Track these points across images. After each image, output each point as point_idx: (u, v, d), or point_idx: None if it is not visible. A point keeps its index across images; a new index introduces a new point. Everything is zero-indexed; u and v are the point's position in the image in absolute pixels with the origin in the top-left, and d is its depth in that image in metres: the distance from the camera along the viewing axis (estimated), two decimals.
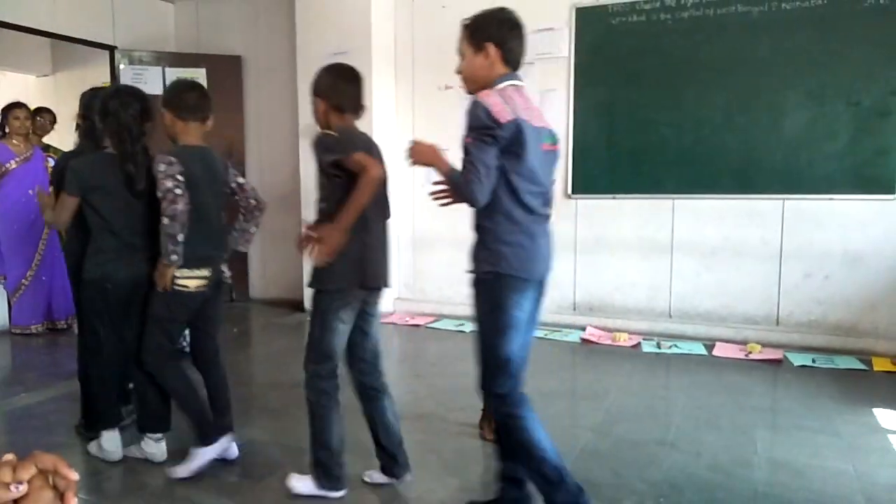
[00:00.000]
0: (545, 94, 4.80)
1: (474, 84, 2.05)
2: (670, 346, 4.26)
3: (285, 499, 2.31)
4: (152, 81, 5.58)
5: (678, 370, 3.86)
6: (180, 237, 2.35)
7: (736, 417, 3.05)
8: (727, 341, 4.30)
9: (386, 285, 2.33)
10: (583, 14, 4.63)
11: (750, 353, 4.08)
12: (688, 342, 4.34)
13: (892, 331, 4.05)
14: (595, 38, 4.62)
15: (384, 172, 2.20)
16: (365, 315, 2.32)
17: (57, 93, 7.18)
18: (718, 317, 4.44)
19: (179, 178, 2.36)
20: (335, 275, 2.17)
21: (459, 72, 2.11)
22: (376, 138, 5.21)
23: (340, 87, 2.24)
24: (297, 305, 5.34)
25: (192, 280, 2.47)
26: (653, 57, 4.47)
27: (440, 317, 5.10)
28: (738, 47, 4.26)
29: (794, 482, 2.39)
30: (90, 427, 2.73)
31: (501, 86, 1.98)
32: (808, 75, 4.12)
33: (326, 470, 2.26)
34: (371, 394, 2.36)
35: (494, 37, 2.00)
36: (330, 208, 2.16)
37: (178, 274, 2.42)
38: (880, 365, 3.83)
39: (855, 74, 4.01)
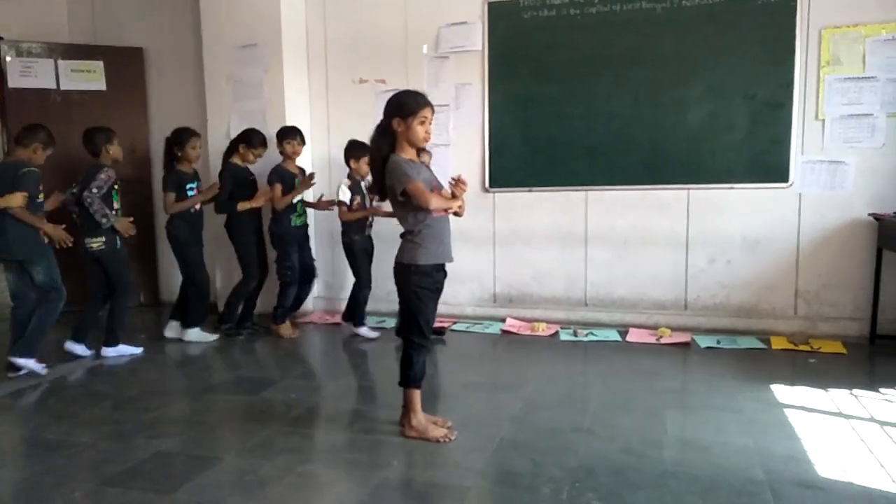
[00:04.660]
0: (461, 88, 4.82)
1: None
2: (587, 334, 4.37)
3: None
4: (44, 75, 5.23)
5: (594, 357, 3.97)
6: None
7: (648, 400, 3.16)
8: (640, 327, 4.46)
9: None
10: (494, 8, 4.66)
11: (661, 337, 4.24)
12: (603, 329, 4.47)
13: (787, 311, 4.32)
14: (507, 33, 4.66)
15: None
16: None
17: None
18: (631, 303, 4.60)
19: None
20: None
21: None
22: None
23: None
24: (210, 307, 5.13)
25: None
26: (563, 51, 4.56)
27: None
28: (643, 42, 4.40)
29: (700, 459, 2.50)
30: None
31: None
32: (708, 69, 4.31)
33: None
34: None
35: None
36: None
37: None
38: (778, 343, 4.07)
39: (750, 68, 4.23)
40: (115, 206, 3.95)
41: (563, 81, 4.58)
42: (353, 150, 4.32)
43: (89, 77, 5.36)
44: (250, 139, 4.42)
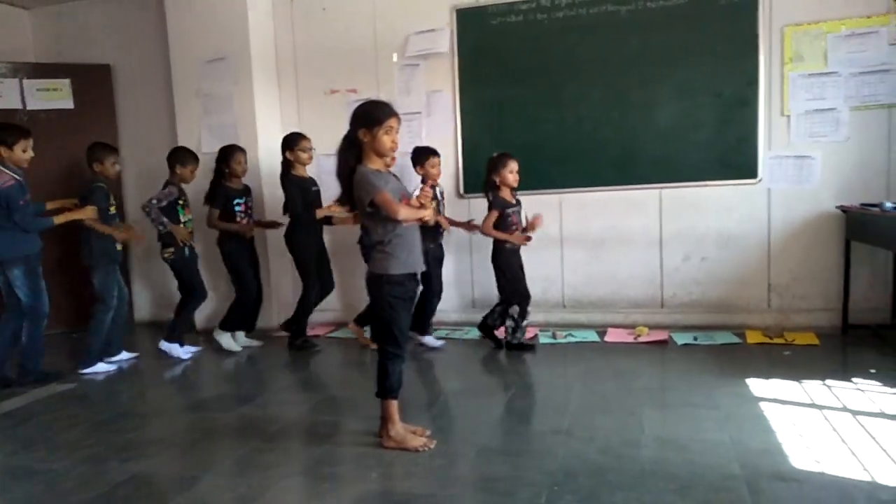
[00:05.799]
0: (432, 95, 4.83)
1: None
2: (566, 336, 4.39)
3: None
4: (9, 95, 5.15)
5: (573, 358, 3.99)
6: None
7: (626, 400, 3.18)
8: (618, 326, 4.49)
9: None
10: (463, 15, 4.69)
11: (638, 336, 4.28)
12: (582, 330, 4.50)
13: (761, 305, 4.38)
14: (476, 39, 4.69)
15: None
16: None
17: None
18: (608, 303, 4.63)
19: None
20: None
21: None
22: (261, 145, 5.11)
23: None
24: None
25: None
26: (532, 56, 4.60)
27: (340, 325, 5.01)
28: (610, 45, 4.45)
29: (677, 457, 2.52)
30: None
31: None
32: (674, 70, 4.36)
33: None
34: None
35: None
36: None
37: None
38: (753, 337, 4.12)
39: (716, 67, 4.29)
40: (182, 219, 4.33)
41: (533, 86, 4.61)
42: (421, 155, 4.22)
43: (56, 96, 5.30)
44: (290, 142, 4.33)
